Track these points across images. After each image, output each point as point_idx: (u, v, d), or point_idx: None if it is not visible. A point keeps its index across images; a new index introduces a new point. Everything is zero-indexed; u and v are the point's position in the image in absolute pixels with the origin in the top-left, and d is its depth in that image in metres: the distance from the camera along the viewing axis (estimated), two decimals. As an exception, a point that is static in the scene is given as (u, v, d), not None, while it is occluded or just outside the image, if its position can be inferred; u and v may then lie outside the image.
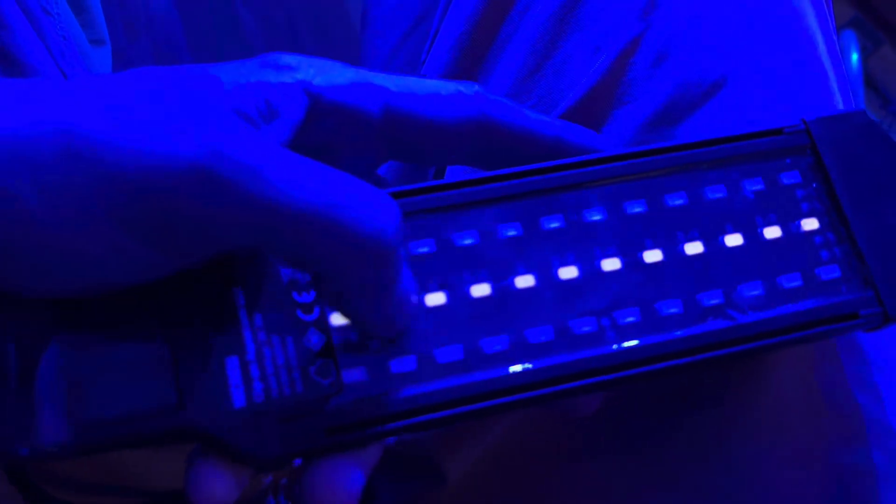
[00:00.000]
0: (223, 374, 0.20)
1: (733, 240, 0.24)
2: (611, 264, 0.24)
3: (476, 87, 0.25)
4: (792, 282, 0.24)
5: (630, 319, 0.23)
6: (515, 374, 0.22)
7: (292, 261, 0.20)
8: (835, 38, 0.32)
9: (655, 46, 0.29)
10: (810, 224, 0.25)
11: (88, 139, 0.18)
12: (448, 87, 0.25)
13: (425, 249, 0.23)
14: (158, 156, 0.18)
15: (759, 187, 0.25)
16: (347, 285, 0.20)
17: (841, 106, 0.31)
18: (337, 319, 0.22)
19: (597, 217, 0.24)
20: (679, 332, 0.23)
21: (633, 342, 0.23)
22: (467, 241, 0.23)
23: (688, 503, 0.27)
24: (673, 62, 0.29)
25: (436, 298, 0.23)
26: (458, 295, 0.23)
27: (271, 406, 0.20)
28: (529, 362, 0.22)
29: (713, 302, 0.23)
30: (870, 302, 0.24)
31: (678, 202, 0.24)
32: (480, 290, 0.23)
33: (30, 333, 0.20)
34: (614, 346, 0.23)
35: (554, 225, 0.24)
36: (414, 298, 0.21)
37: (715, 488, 0.27)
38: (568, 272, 0.23)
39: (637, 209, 0.24)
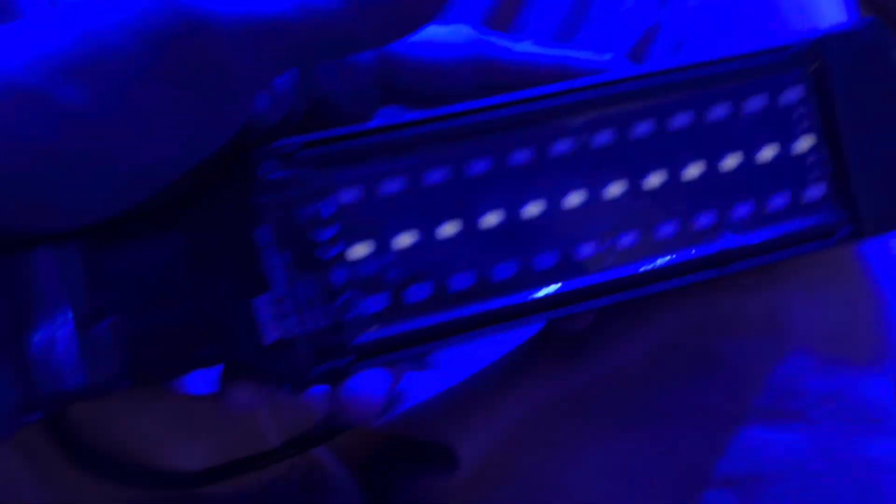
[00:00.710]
0: (253, 312, 0.21)
1: (732, 160, 0.25)
2: (615, 189, 0.24)
3: (467, 28, 0.25)
4: (780, 202, 0.25)
5: (629, 243, 0.24)
6: (522, 301, 0.23)
7: None
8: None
9: (674, 33, 0.29)
10: (807, 140, 0.25)
11: None
12: (439, 30, 0.25)
13: (439, 178, 0.23)
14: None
15: (761, 104, 0.25)
16: None
17: None
18: (355, 253, 0.22)
19: (604, 140, 0.24)
20: (672, 257, 0.24)
21: (629, 266, 0.24)
22: (479, 170, 0.23)
23: (703, 488, 0.27)
24: (690, 48, 0.29)
25: (450, 228, 0.23)
26: (470, 224, 0.23)
27: (301, 340, 0.21)
28: (534, 288, 0.23)
29: (707, 223, 0.24)
30: (847, 221, 0.25)
31: (682, 122, 0.24)
32: (491, 219, 0.24)
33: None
34: (612, 270, 0.24)
35: (563, 150, 0.24)
36: None
37: (732, 474, 0.27)
38: (571, 200, 0.24)
39: (642, 130, 0.24)
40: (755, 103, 0.25)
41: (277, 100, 0.23)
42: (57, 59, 0.19)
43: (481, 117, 0.23)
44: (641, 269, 0.24)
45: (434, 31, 0.25)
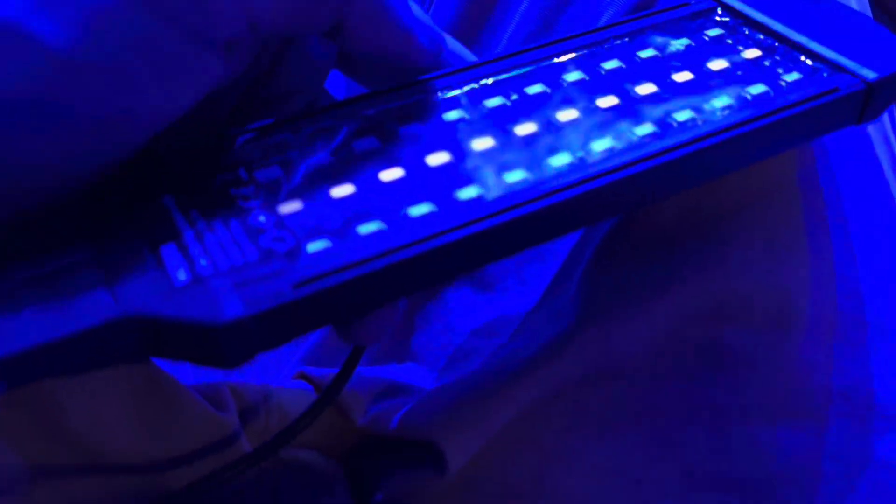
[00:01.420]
0: (160, 260, 0.18)
1: (682, 76, 0.24)
2: (568, 115, 0.22)
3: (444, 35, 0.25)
4: (758, 88, 0.23)
5: (606, 147, 0.21)
6: (486, 215, 0.19)
7: None
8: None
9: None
10: (752, 53, 0.24)
11: None
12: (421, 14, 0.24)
13: (365, 148, 0.21)
14: None
15: (687, 42, 0.25)
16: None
17: None
18: (286, 209, 0.19)
19: (538, 90, 0.23)
20: (655, 145, 0.21)
21: (610, 160, 0.21)
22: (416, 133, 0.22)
23: (707, 492, 0.25)
24: None
25: (392, 173, 0.20)
26: (413, 165, 0.21)
27: (221, 275, 0.17)
28: (503, 201, 0.20)
29: (686, 116, 0.22)
30: (847, 80, 0.23)
31: (613, 65, 0.24)
32: (438, 157, 0.21)
33: None
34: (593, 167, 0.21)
35: (495, 103, 0.23)
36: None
37: (736, 478, 0.25)
38: (525, 128, 0.22)
39: (575, 79, 0.24)
40: (678, 42, 0.25)
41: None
42: None
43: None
44: (623, 162, 0.21)
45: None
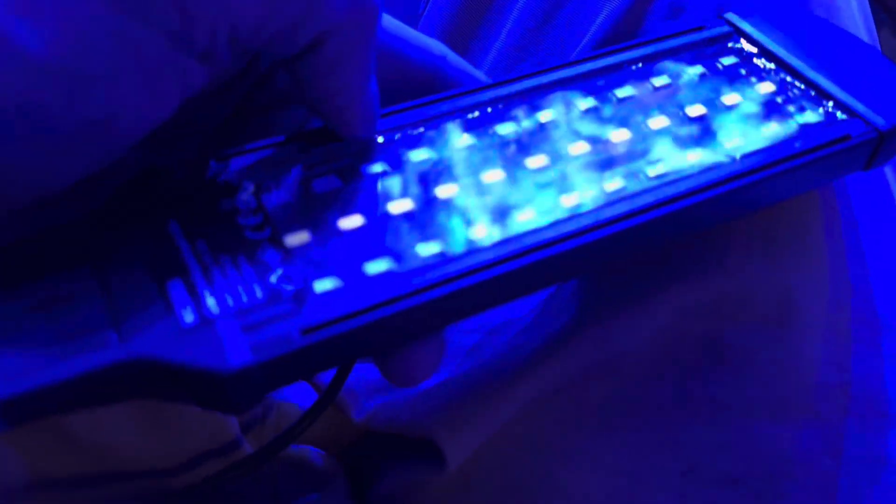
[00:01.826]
0: (166, 298, 0.17)
1: (695, 110, 0.23)
2: (578, 148, 0.22)
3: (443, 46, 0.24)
4: (772, 127, 0.23)
5: (616, 186, 0.21)
6: (495, 257, 0.19)
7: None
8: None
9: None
10: (766, 88, 0.24)
11: None
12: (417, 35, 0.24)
13: (377, 171, 0.21)
14: None
15: (702, 70, 0.24)
16: (340, 52, 0.19)
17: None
18: (293, 240, 0.19)
19: (549, 118, 0.23)
20: (669, 188, 0.21)
21: (620, 202, 0.21)
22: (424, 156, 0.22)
23: (707, 487, 0.25)
24: (689, 15, 0.27)
25: (401, 205, 0.20)
26: (421, 197, 0.21)
27: (229, 317, 0.17)
28: (511, 247, 0.20)
29: (698, 154, 0.22)
30: (859, 126, 0.23)
31: (627, 94, 0.24)
32: (446, 190, 0.21)
33: None
34: (597, 210, 0.21)
35: (511, 131, 0.23)
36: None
37: (737, 474, 0.25)
38: (536, 161, 0.22)
39: (588, 105, 0.23)
40: (693, 69, 0.24)
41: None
42: None
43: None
44: (634, 208, 0.21)
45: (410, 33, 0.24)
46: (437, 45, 0.24)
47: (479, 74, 0.24)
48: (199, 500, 0.26)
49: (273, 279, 0.18)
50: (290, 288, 0.18)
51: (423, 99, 0.23)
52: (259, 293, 0.18)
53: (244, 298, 0.18)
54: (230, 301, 0.18)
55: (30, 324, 0.17)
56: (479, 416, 0.26)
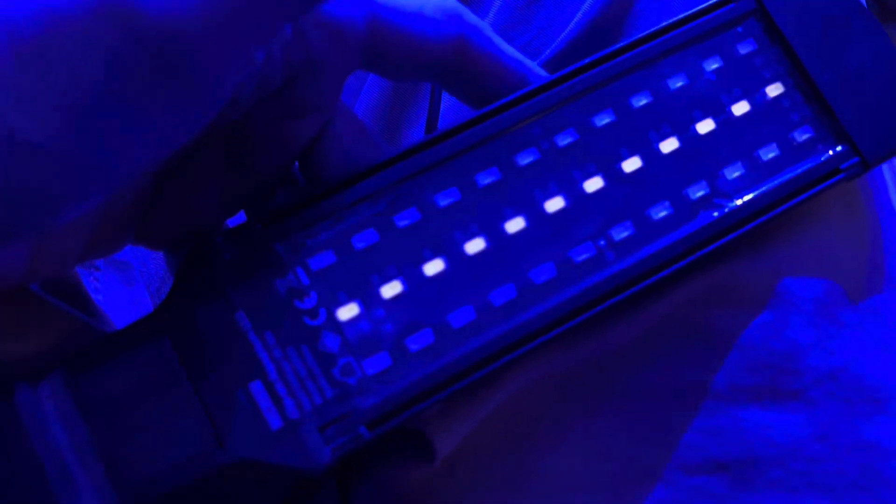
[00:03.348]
0: (252, 401, 0.20)
1: (705, 126, 0.24)
2: (594, 184, 0.24)
3: (458, 7, 0.24)
4: (769, 153, 0.24)
5: (625, 234, 0.23)
6: (528, 320, 0.22)
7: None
8: None
9: None
10: (776, 89, 0.25)
11: None
12: (431, 3, 0.24)
13: (408, 222, 0.23)
14: None
15: (718, 65, 0.24)
16: None
17: None
18: (344, 314, 0.22)
19: (568, 139, 0.24)
20: (674, 235, 0.23)
21: (633, 255, 0.23)
22: (449, 200, 0.23)
23: (693, 473, 0.25)
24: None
25: (434, 266, 0.22)
26: (454, 256, 0.23)
27: (307, 419, 0.21)
28: (540, 304, 0.23)
29: (700, 194, 0.24)
30: (847, 154, 0.24)
31: (643, 102, 0.24)
32: (475, 245, 0.23)
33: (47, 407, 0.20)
34: (615, 265, 0.23)
35: (529, 160, 0.23)
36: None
37: (723, 458, 0.25)
38: (554, 204, 0.23)
39: (605, 120, 0.24)
40: (710, 65, 0.24)
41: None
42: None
43: (440, 148, 0.23)
44: (645, 255, 0.23)
45: (426, 2, 0.24)
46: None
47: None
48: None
49: (337, 373, 0.21)
50: (351, 380, 0.21)
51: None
52: (328, 392, 0.21)
53: (317, 400, 0.21)
54: (305, 403, 0.21)
55: (134, 431, 0.20)
56: (468, 404, 0.25)
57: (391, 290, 0.22)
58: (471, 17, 0.24)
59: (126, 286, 0.32)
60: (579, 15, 0.28)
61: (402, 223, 0.22)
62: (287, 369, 0.21)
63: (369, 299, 0.22)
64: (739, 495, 0.25)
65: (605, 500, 0.25)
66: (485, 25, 0.24)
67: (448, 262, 0.22)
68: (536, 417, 0.26)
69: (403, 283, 0.22)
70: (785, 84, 0.25)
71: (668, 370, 0.25)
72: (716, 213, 0.23)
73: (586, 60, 0.24)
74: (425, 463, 0.25)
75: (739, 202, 0.24)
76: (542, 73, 0.25)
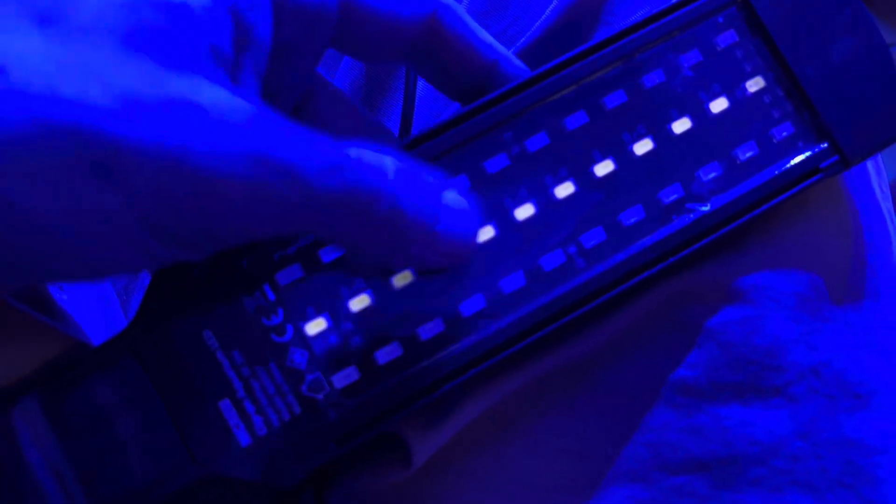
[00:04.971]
0: (222, 419, 0.21)
1: (681, 125, 0.23)
2: (565, 189, 0.23)
3: None
4: (748, 151, 0.23)
5: (596, 241, 0.23)
6: (497, 331, 0.22)
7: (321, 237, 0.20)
8: None
9: None
10: (756, 84, 0.24)
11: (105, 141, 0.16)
12: None
13: None
14: (205, 156, 0.17)
15: (696, 59, 0.24)
16: (380, 250, 0.19)
17: None
18: (312, 329, 0.22)
19: (540, 144, 0.23)
20: (646, 240, 0.23)
21: (604, 263, 0.23)
22: None
23: (675, 472, 0.24)
24: None
25: (402, 278, 0.22)
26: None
27: (276, 435, 0.21)
28: (510, 313, 0.22)
29: (673, 197, 0.23)
30: (827, 152, 0.24)
31: (617, 102, 0.23)
32: None
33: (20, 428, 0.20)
34: (586, 273, 0.23)
35: (499, 167, 0.23)
36: (466, 229, 0.20)
37: (705, 458, 0.24)
38: (525, 211, 0.23)
39: (578, 122, 0.23)
40: (688, 60, 0.23)
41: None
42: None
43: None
44: (616, 262, 0.23)
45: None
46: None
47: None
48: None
49: (305, 389, 0.22)
50: (320, 396, 0.22)
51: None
52: (296, 408, 0.21)
53: (285, 416, 0.21)
54: (274, 419, 0.21)
55: (108, 448, 0.21)
56: (447, 409, 0.25)
57: (359, 303, 0.22)
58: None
59: (92, 284, 0.32)
60: (555, 1, 0.27)
61: None
62: (255, 387, 0.21)
63: (337, 313, 0.22)
64: (721, 494, 0.24)
65: (586, 501, 0.25)
66: (458, 7, 0.24)
67: (415, 273, 0.22)
68: (514, 420, 0.25)
69: (371, 295, 0.22)
70: (766, 78, 0.24)
71: (648, 368, 0.25)
72: (689, 218, 0.23)
73: (559, 60, 0.23)
74: (402, 468, 0.25)
75: (713, 207, 0.23)
76: (515, 60, 0.24)
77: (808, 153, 0.24)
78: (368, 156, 0.19)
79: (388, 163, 0.19)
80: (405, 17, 0.23)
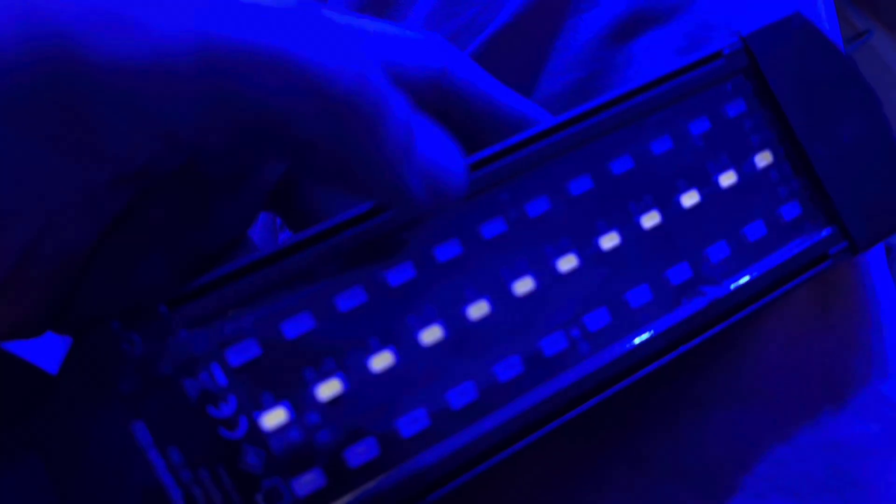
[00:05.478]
0: None
1: (690, 198, 0.21)
2: (568, 263, 0.20)
3: (440, 38, 0.21)
4: (756, 232, 0.22)
5: (601, 324, 0.20)
6: (489, 429, 0.19)
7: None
8: None
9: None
10: (764, 158, 0.22)
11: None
12: (409, 32, 0.20)
13: (353, 304, 0.18)
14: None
15: (705, 127, 0.22)
16: (341, 158, 0.15)
17: (827, 27, 0.26)
18: (270, 421, 0.18)
19: (541, 209, 0.20)
20: (656, 325, 0.20)
21: (610, 349, 0.20)
22: (403, 278, 0.19)
23: (657, 481, 0.23)
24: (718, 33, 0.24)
25: (382, 359, 0.19)
26: (407, 346, 0.19)
27: None
28: (503, 408, 0.19)
29: (683, 278, 0.21)
30: (836, 237, 0.22)
31: (624, 167, 0.21)
32: (431, 334, 0.19)
33: None
34: (590, 360, 0.20)
35: (496, 231, 0.20)
36: (450, 163, 0.17)
37: (687, 465, 0.23)
38: (524, 285, 0.20)
39: (582, 187, 0.21)
40: (697, 127, 0.22)
41: None
42: None
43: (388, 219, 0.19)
44: (624, 349, 0.20)
45: (405, 30, 0.20)
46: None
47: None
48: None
49: (261, 499, 0.17)
50: None
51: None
52: None
53: None
54: None
55: None
56: None
57: (329, 389, 0.18)
58: (456, 49, 0.21)
59: None
60: None
61: (346, 305, 0.18)
62: (198, 495, 0.17)
63: (301, 401, 0.18)
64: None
65: None
66: (470, 61, 0.21)
67: (398, 354, 0.18)
68: None
69: (344, 380, 0.18)
70: (775, 153, 0.22)
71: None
72: (700, 302, 0.21)
73: (563, 117, 0.21)
74: None
75: (725, 291, 0.21)
76: (543, 111, 0.21)
77: (816, 237, 0.22)
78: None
79: (353, 43, 0.15)
80: (412, 69, 0.20)
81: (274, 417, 0.17)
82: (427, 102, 0.20)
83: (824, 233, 0.22)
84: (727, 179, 0.22)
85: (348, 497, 0.17)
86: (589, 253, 0.20)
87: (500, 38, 0.25)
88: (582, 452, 0.23)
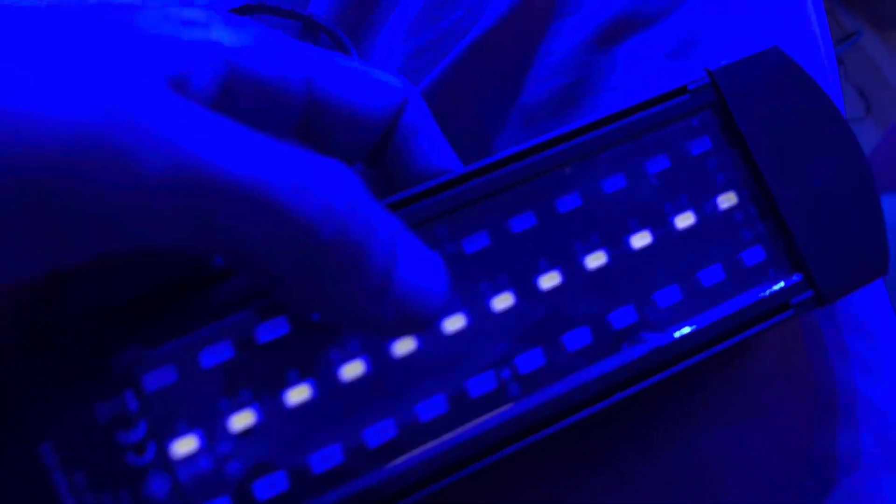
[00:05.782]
0: None
1: (640, 239, 0.20)
2: (503, 301, 0.20)
3: (404, 82, 0.20)
4: (713, 277, 0.21)
5: (533, 365, 0.20)
6: (406, 468, 0.19)
7: (223, 254, 0.15)
8: None
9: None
10: (728, 199, 0.21)
11: None
12: (376, 72, 0.20)
13: (272, 336, 0.18)
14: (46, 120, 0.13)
15: (664, 165, 0.21)
16: (312, 290, 0.15)
17: (817, 29, 0.24)
18: (180, 448, 0.18)
19: (479, 244, 0.20)
20: (592, 371, 0.20)
21: (540, 393, 0.19)
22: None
23: (648, 497, 0.23)
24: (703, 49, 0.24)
25: (299, 392, 0.19)
26: (325, 381, 0.19)
27: None
28: (422, 448, 0.19)
29: (626, 323, 0.20)
30: (801, 286, 0.21)
31: (571, 206, 0.20)
32: (353, 369, 0.19)
33: None
34: (519, 403, 0.19)
35: None
36: (433, 284, 0.17)
37: (678, 483, 0.23)
38: (454, 322, 0.19)
39: (525, 225, 0.20)
40: (655, 166, 0.21)
41: None
42: None
43: None
44: (554, 394, 0.19)
45: (371, 70, 0.20)
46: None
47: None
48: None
49: None
50: None
51: None
52: None
53: None
54: None
55: None
56: None
57: (242, 419, 0.18)
58: (420, 96, 0.21)
59: None
60: None
61: (265, 338, 0.18)
62: None
63: (214, 431, 0.18)
64: None
65: None
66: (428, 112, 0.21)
67: (316, 388, 0.18)
68: None
69: (259, 411, 0.18)
70: (739, 194, 0.21)
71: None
72: (642, 349, 0.20)
73: (510, 151, 0.20)
74: None
75: (669, 339, 0.20)
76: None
77: (779, 285, 0.21)
78: (317, 162, 0.15)
79: (339, 178, 0.15)
80: (374, 111, 0.20)
81: (184, 445, 0.17)
82: (377, 142, 0.20)
83: (789, 281, 0.21)
84: (684, 221, 0.21)
85: None
86: (526, 291, 0.19)
87: (483, 42, 0.25)
88: (566, 473, 0.23)
